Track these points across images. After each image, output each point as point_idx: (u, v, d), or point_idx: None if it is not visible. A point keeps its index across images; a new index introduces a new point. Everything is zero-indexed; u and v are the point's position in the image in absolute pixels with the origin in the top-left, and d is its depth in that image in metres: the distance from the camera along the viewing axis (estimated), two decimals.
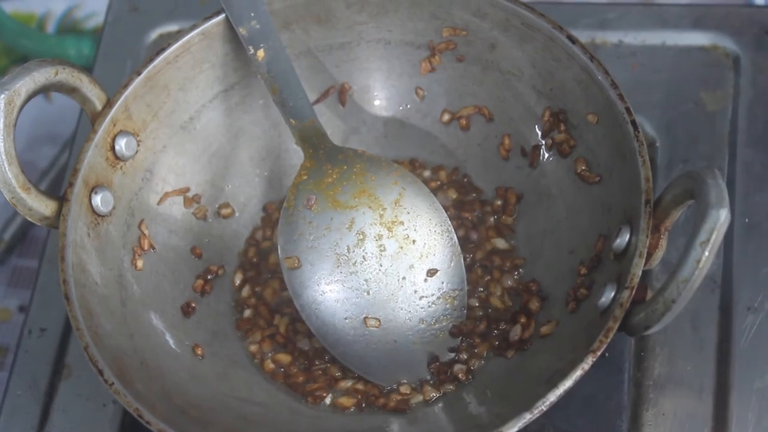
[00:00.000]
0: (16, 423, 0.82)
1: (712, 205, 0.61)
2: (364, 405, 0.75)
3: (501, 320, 0.77)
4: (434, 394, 0.74)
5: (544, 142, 0.79)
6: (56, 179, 1.06)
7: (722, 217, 0.61)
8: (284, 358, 0.78)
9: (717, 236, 0.61)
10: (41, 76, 0.71)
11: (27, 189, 0.72)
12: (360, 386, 0.76)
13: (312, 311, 0.75)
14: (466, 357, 0.76)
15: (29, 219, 0.73)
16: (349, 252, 0.77)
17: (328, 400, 0.76)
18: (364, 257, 0.77)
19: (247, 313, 0.80)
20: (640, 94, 0.84)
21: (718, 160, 0.82)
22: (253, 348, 0.78)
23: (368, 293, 0.76)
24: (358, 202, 0.77)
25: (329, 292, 0.76)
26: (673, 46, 0.88)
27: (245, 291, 0.81)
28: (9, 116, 0.70)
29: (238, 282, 0.82)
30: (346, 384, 0.76)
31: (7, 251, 1.06)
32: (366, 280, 0.76)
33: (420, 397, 0.74)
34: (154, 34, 0.97)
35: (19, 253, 1.06)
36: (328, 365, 0.77)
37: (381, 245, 0.77)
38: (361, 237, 0.77)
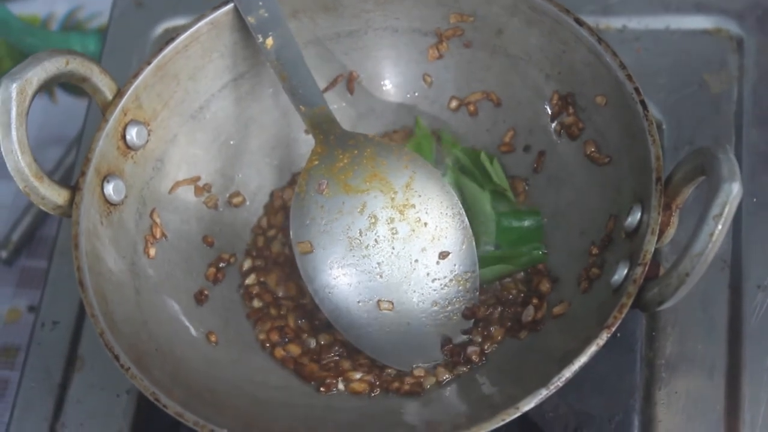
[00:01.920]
0: (31, 415, 0.82)
1: (724, 179, 0.62)
2: (377, 391, 0.75)
3: (514, 304, 0.77)
4: (447, 376, 0.75)
5: (554, 129, 0.80)
6: (62, 180, 1.06)
7: (734, 190, 0.61)
8: (294, 348, 0.78)
9: (730, 209, 0.61)
10: (52, 65, 0.72)
11: (40, 178, 0.72)
12: (370, 378, 0.76)
13: (325, 295, 0.76)
14: (480, 340, 0.76)
15: (42, 208, 0.74)
16: (361, 235, 0.77)
17: (341, 386, 0.76)
18: (376, 240, 0.77)
19: (257, 303, 0.80)
20: (645, 78, 0.83)
21: (723, 141, 0.83)
22: (262, 336, 0.79)
23: (381, 276, 0.77)
24: (369, 186, 0.77)
25: (342, 275, 0.76)
26: (676, 29, 0.89)
27: (250, 279, 0.81)
28: (21, 105, 0.70)
29: (245, 269, 0.82)
30: (356, 375, 0.76)
31: (15, 252, 1.06)
32: (378, 263, 0.77)
33: (433, 379, 0.75)
34: (159, 29, 0.98)
35: (27, 253, 1.07)
36: (338, 359, 0.77)
37: (393, 228, 0.77)
38: (373, 220, 0.77)
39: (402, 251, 0.77)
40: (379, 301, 0.76)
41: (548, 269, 0.78)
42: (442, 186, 0.78)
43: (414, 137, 0.84)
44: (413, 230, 0.77)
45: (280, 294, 0.80)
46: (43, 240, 1.07)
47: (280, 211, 0.84)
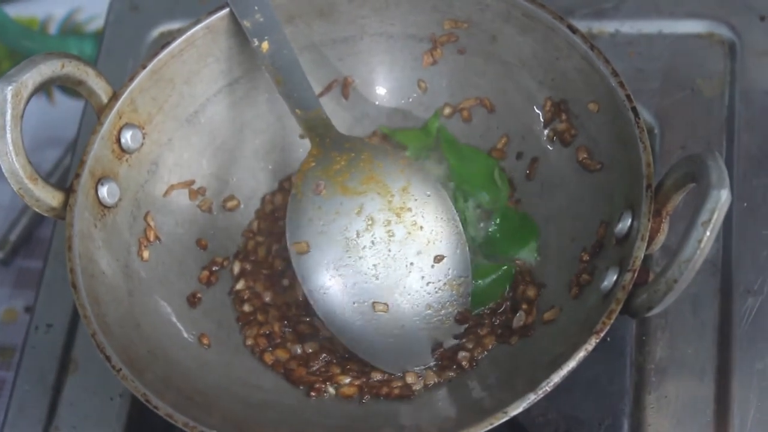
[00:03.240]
0: (25, 418, 0.83)
1: (713, 185, 0.62)
2: (367, 397, 0.75)
3: (504, 312, 0.77)
4: (436, 380, 0.75)
5: (546, 136, 0.80)
6: (60, 180, 1.06)
7: (723, 197, 0.62)
8: (282, 353, 0.78)
9: (718, 216, 0.62)
10: (47, 68, 0.72)
11: (34, 180, 0.73)
12: (358, 383, 0.76)
13: (320, 296, 0.76)
14: (471, 346, 0.76)
15: (36, 210, 0.74)
16: (358, 237, 0.77)
17: (331, 390, 0.76)
18: (372, 242, 0.77)
19: (247, 307, 0.81)
20: (638, 83, 0.85)
21: (715, 146, 0.83)
22: (250, 342, 0.79)
23: (376, 278, 0.77)
24: (366, 188, 0.78)
25: (338, 276, 0.77)
26: (669, 34, 0.89)
27: (240, 284, 0.82)
28: (16, 108, 0.70)
29: (235, 273, 0.82)
30: (345, 379, 0.76)
31: (12, 252, 1.07)
32: (374, 265, 0.77)
33: (421, 383, 0.75)
34: (155, 33, 0.98)
35: (24, 254, 1.07)
36: (327, 364, 0.77)
37: (389, 230, 0.77)
38: (370, 222, 0.77)
39: (398, 254, 0.77)
40: (374, 303, 0.76)
41: (532, 275, 0.78)
42: (438, 191, 0.78)
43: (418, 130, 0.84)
44: (409, 233, 0.78)
45: (267, 300, 0.81)
46: (40, 241, 1.07)
47: (271, 215, 0.84)
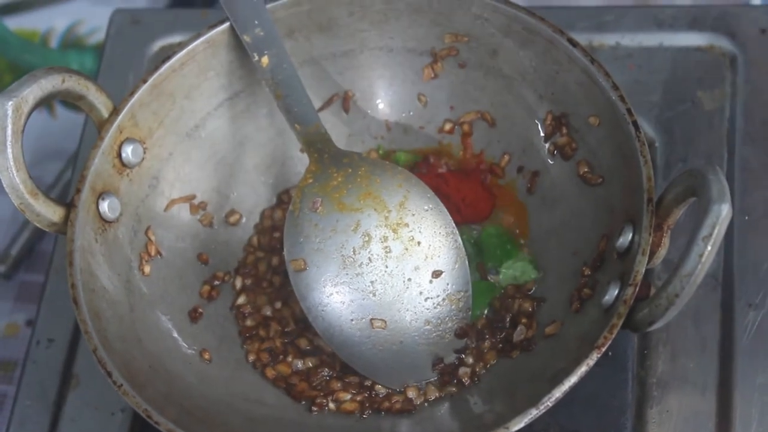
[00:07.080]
0: None
1: (713, 200, 0.62)
2: (369, 412, 0.75)
3: (503, 328, 0.77)
4: (437, 395, 0.75)
5: (547, 149, 0.80)
6: (62, 194, 1.06)
7: (724, 211, 0.62)
8: (284, 369, 0.78)
9: (719, 230, 0.62)
10: (48, 83, 0.72)
11: (35, 195, 0.73)
12: (359, 398, 0.76)
13: (318, 313, 0.76)
14: (472, 361, 0.76)
15: (37, 225, 0.74)
16: (354, 254, 0.77)
17: (332, 405, 0.76)
18: (369, 259, 0.77)
19: (250, 321, 0.81)
20: (638, 95, 0.85)
21: (716, 159, 0.83)
22: (252, 357, 0.79)
23: (374, 294, 0.77)
24: (363, 204, 0.78)
25: (335, 293, 0.76)
26: (669, 46, 0.89)
27: (241, 299, 0.82)
28: (17, 123, 0.70)
29: (237, 288, 0.82)
30: (346, 396, 0.76)
31: (14, 267, 1.06)
32: (372, 282, 0.77)
33: (422, 398, 0.75)
34: (155, 47, 0.98)
35: (26, 268, 1.06)
36: (328, 380, 0.77)
37: (386, 247, 0.77)
38: (367, 239, 0.77)
39: (395, 270, 0.77)
40: (372, 319, 0.76)
41: (526, 290, 0.78)
42: (436, 205, 0.78)
43: None
44: (406, 249, 0.77)
45: (269, 314, 0.81)
46: (41, 254, 1.07)
47: (269, 230, 0.84)
